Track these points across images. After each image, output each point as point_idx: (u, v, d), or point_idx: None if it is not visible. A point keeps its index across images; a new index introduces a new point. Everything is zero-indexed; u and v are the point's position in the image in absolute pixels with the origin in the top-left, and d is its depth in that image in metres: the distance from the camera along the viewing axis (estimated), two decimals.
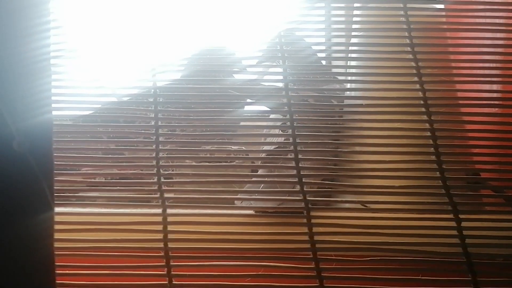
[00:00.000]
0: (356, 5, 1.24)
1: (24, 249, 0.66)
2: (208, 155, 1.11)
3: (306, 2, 1.23)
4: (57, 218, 0.68)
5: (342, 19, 1.27)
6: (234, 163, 1.12)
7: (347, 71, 1.27)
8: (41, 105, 0.68)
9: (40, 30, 0.68)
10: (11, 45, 0.66)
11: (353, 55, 1.23)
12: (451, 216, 0.98)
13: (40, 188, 0.67)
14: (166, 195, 0.97)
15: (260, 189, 1.06)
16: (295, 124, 1.04)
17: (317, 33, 1.21)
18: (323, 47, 1.28)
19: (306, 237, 0.96)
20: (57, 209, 0.68)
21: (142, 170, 1.02)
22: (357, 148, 1.10)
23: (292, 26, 1.23)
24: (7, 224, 0.65)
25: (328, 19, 1.22)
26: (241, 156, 1.12)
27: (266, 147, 1.14)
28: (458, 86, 1.14)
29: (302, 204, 0.98)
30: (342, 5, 1.28)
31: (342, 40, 1.21)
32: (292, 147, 1.03)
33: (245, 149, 1.14)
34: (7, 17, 0.66)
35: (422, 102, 1.06)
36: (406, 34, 1.12)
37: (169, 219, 0.95)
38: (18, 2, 0.67)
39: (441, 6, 1.23)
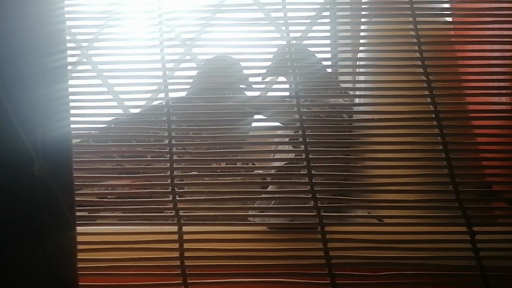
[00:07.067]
0: (363, 20, 1.24)
1: (48, 270, 0.66)
2: (222, 172, 1.11)
3: (312, 18, 1.23)
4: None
5: (349, 34, 1.27)
6: (247, 180, 1.12)
7: (357, 86, 1.27)
8: (59, 126, 0.68)
9: (56, 44, 0.68)
10: (30, 62, 0.67)
11: (364, 69, 1.23)
12: (464, 229, 0.98)
13: (60, 209, 0.67)
14: (181, 212, 0.98)
15: (274, 205, 1.06)
16: (307, 140, 1.04)
17: (325, 48, 1.21)
18: (330, 62, 1.29)
19: (321, 253, 0.96)
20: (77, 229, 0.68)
21: (156, 188, 1.02)
22: (370, 163, 1.10)
23: (300, 40, 1.24)
24: (29, 246, 0.66)
25: (335, 34, 1.22)
26: (253, 173, 1.13)
27: (278, 163, 1.14)
28: (469, 99, 1.14)
29: (317, 220, 0.98)
30: (348, 20, 1.28)
31: (350, 55, 1.22)
32: (305, 163, 1.03)
33: (257, 165, 1.15)
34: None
35: (433, 115, 1.06)
36: (416, 47, 1.12)
37: (185, 236, 0.95)
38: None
39: (450, 19, 1.24)
